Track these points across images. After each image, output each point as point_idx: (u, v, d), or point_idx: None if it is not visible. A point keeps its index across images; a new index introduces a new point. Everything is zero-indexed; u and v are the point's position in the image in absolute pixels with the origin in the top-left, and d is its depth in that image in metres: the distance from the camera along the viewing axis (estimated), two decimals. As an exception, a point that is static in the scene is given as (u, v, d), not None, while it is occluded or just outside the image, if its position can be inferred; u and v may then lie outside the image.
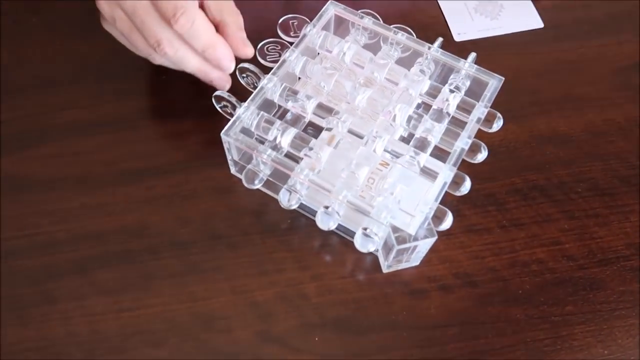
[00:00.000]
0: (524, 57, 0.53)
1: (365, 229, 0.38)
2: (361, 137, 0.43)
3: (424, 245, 0.38)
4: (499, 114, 0.43)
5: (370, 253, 0.42)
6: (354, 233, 0.40)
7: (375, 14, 0.52)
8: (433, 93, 0.45)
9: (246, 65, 0.43)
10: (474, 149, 0.41)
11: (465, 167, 0.41)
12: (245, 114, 0.41)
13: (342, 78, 0.44)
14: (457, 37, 0.54)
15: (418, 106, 0.46)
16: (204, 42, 0.40)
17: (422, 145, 0.41)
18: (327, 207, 0.39)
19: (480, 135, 0.42)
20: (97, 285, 0.41)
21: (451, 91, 0.44)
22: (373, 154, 0.41)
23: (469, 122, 0.42)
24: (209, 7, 0.42)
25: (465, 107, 0.44)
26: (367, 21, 0.46)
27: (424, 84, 0.45)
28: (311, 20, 0.46)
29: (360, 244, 0.38)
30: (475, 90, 0.45)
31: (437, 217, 0.38)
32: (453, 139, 0.41)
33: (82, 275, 0.41)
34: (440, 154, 0.42)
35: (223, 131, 0.40)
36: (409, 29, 0.52)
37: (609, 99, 0.51)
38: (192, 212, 0.44)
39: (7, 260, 0.41)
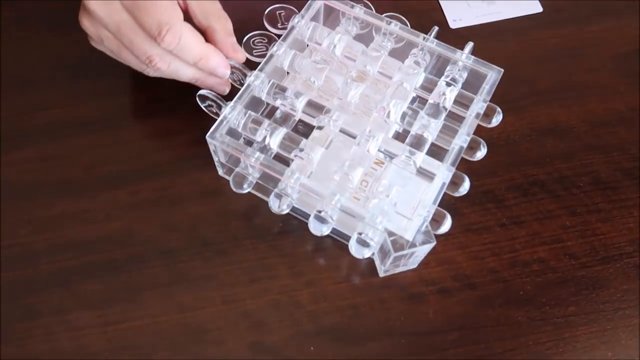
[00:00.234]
0: (523, 43, 0.51)
1: (360, 233, 0.36)
2: (354, 135, 0.41)
3: (422, 251, 0.37)
4: (498, 109, 0.41)
5: (366, 256, 0.40)
6: (349, 236, 0.39)
7: (367, 2, 0.49)
8: (429, 86, 0.43)
9: (231, 62, 0.41)
10: (472, 147, 0.39)
11: (462, 162, 0.39)
12: (232, 114, 0.39)
13: (333, 73, 0.42)
14: (453, 24, 0.51)
15: (413, 100, 0.44)
16: (194, 55, 0.39)
17: (418, 142, 0.39)
18: (319, 212, 0.37)
19: (477, 128, 0.40)
20: (80, 298, 0.39)
21: (448, 84, 0.41)
22: (367, 154, 0.39)
23: (467, 118, 0.40)
24: (195, 13, 0.40)
25: (462, 102, 0.42)
26: (358, 11, 0.44)
27: (419, 76, 0.42)
28: (299, 10, 0.44)
29: (356, 250, 0.36)
30: (472, 83, 0.43)
31: (436, 220, 0.36)
32: (451, 136, 0.40)
33: (64, 288, 0.39)
34: (437, 149, 0.40)
35: (208, 134, 0.38)
36: (403, 18, 0.49)
37: (610, 86, 0.49)
38: (178, 217, 0.42)
39: (-15, 274, 0.39)
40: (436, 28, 0.44)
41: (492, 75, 0.41)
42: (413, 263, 0.39)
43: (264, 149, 0.39)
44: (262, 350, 0.37)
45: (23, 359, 0.37)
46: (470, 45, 0.43)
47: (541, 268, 0.41)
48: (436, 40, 0.43)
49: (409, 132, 0.40)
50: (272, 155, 0.40)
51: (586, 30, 0.52)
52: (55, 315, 0.38)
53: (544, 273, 0.41)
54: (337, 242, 0.41)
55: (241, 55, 0.41)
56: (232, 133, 0.40)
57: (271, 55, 0.42)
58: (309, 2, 0.44)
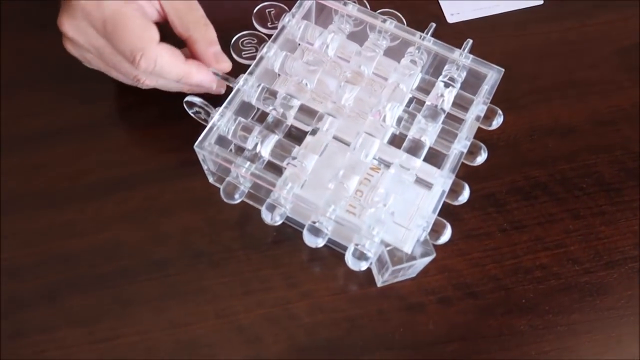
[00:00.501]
0: (523, 38, 0.49)
1: (357, 244, 0.35)
2: (349, 141, 0.39)
3: (422, 263, 0.35)
4: (499, 111, 0.39)
5: (363, 265, 0.39)
6: (345, 246, 0.37)
7: (361, -2, 0.47)
8: (426, 87, 0.41)
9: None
10: (473, 151, 0.38)
11: (461, 165, 0.37)
12: (221, 121, 0.37)
13: (326, 75, 0.40)
14: (451, 19, 0.49)
15: (410, 101, 0.42)
16: (174, 75, 0.38)
17: (415, 147, 0.38)
18: (314, 223, 0.35)
19: (476, 129, 0.39)
20: (68, 314, 0.37)
21: (446, 85, 0.40)
22: (362, 161, 0.37)
23: (467, 121, 0.39)
24: (174, 24, 0.39)
25: (461, 103, 0.40)
26: (351, 8, 0.42)
27: (416, 77, 0.41)
28: (290, 7, 0.42)
29: (352, 263, 0.35)
30: (471, 82, 0.41)
31: (435, 231, 0.35)
32: (450, 140, 0.38)
33: (51, 304, 0.38)
34: (435, 153, 0.39)
35: (196, 143, 0.37)
36: (398, 14, 0.47)
37: (613, 82, 0.47)
38: (168, 228, 0.40)
39: (-32, 291, 0.38)
40: (433, 25, 0.42)
41: (493, 75, 0.40)
42: (412, 273, 0.38)
43: (256, 156, 0.38)
44: (257, 366, 0.36)
45: (10, 380, 0.36)
46: (469, 42, 0.41)
47: (543, 274, 0.40)
48: (433, 39, 0.41)
49: (405, 134, 0.39)
50: (264, 163, 0.39)
51: (588, 23, 0.50)
52: (42, 333, 0.37)
53: (547, 280, 0.39)
54: (333, 251, 0.40)
55: (225, 65, 0.39)
56: (222, 140, 0.38)
57: (261, 58, 0.40)
58: (300, -1, 0.42)
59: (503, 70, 0.40)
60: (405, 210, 0.36)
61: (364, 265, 0.35)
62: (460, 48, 0.41)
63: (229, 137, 0.38)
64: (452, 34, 0.49)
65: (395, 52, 0.42)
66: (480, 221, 0.41)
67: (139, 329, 0.37)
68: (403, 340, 0.37)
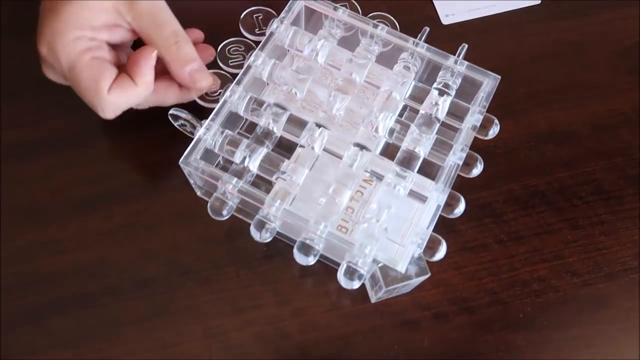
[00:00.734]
0: (520, 39, 0.48)
1: (349, 262, 0.34)
2: (340, 153, 0.38)
3: (416, 282, 0.34)
4: (495, 120, 0.38)
5: (357, 281, 0.38)
6: (338, 261, 0.36)
7: (352, 0, 0.45)
8: (419, 95, 0.40)
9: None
10: (469, 163, 0.36)
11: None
12: (207, 134, 0.36)
13: (316, 84, 0.38)
14: (445, 20, 0.48)
15: (403, 109, 0.41)
16: (149, 105, 0.38)
17: (409, 159, 0.37)
18: (304, 240, 0.34)
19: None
20: (53, 335, 0.36)
21: (440, 93, 0.38)
22: (354, 174, 0.36)
23: (462, 131, 0.37)
24: (146, 44, 0.37)
25: (456, 112, 0.39)
26: (342, 13, 0.40)
27: (409, 84, 0.39)
28: (278, 12, 0.40)
29: (345, 282, 0.34)
30: (467, 89, 0.40)
31: (430, 247, 0.34)
32: (444, 152, 0.37)
33: (35, 325, 0.37)
34: (429, 162, 0.37)
35: (182, 159, 0.35)
36: (391, 17, 0.46)
37: (613, 85, 0.46)
38: (155, 244, 0.39)
39: (-51, 313, 0.37)
40: (427, 30, 0.40)
41: (489, 82, 0.38)
42: (407, 289, 0.37)
43: (244, 169, 0.37)
44: (248, 388, 0.35)
45: (-7, 406, 0.35)
46: (464, 47, 0.40)
47: (542, 287, 0.39)
48: (426, 45, 0.39)
49: (399, 145, 0.37)
50: (253, 177, 0.37)
51: (586, 22, 0.48)
52: (26, 355, 0.36)
53: (545, 293, 0.38)
54: (325, 266, 0.39)
55: (204, 83, 0.37)
56: (210, 152, 0.37)
57: (249, 67, 0.38)
58: (289, 3, 0.40)
59: (499, 77, 0.39)
60: (399, 226, 0.35)
61: (356, 284, 0.34)
62: (455, 51, 0.40)
63: (216, 150, 0.36)
64: (446, 36, 0.47)
65: (388, 58, 0.41)
66: (476, 232, 0.40)
67: (125, 349, 0.36)
68: (398, 358, 0.36)
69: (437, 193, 0.35)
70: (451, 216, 0.35)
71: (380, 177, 0.36)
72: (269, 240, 0.36)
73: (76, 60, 0.35)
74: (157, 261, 0.39)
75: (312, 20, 0.42)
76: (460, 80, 0.39)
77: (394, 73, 0.39)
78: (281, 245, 0.39)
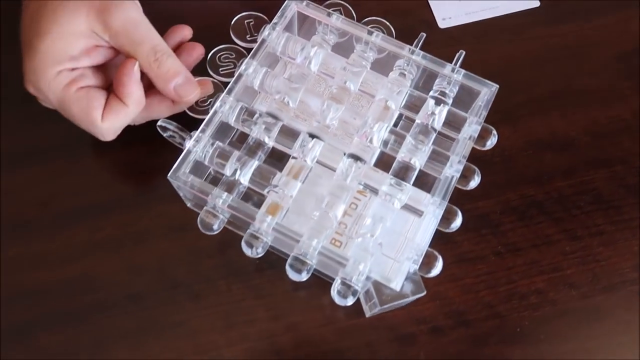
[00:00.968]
0: (519, 43, 0.46)
1: (343, 278, 0.33)
2: (334, 164, 0.37)
3: (411, 299, 0.33)
4: (494, 131, 0.37)
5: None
6: (332, 276, 0.35)
7: (345, 4, 0.44)
8: (415, 103, 0.38)
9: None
10: (466, 175, 0.35)
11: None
12: (197, 147, 0.35)
13: (309, 93, 0.37)
14: (442, 23, 0.47)
15: (399, 117, 0.40)
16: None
17: (405, 171, 0.36)
18: (297, 257, 0.33)
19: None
20: (40, 352, 0.35)
21: (437, 102, 0.37)
22: (348, 187, 0.35)
23: (460, 142, 0.36)
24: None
25: (453, 121, 0.38)
26: (335, 20, 0.39)
27: (405, 93, 0.38)
28: (270, 17, 0.39)
29: (338, 299, 0.33)
30: (464, 97, 0.39)
31: (426, 263, 0.33)
32: (441, 163, 0.36)
33: (21, 342, 0.36)
34: (425, 175, 0.37)
35: (170, 173, 0.34)
36: (386, 22, 0.44)
37: (613, 90, 0.45)
38: (145, 257, 0.38)
39: None
40: (424, 36, 0.39)
41: (486, 92, 0.37)
42: (401, 304, 0.36)
43: (235, 182, 0.36)
44: (240, 406, 0.35)
45: None
46: (461, 55, 0.39)
47: (539, 300, 0.38)
48: (422, 52, 0.38)
49: (394, 155, 0.36)
50: (244, 190, 0.36)
51: (586, 26, 0.47)
52: (12, 374, 0.35)
53: (542, 306, 0.38)
54: (319, 279, 0.38)
55: (191, 97, 0.36)
56: (200, 164, 0.36)
57: (240, 75, 0.37)
58: (282, 9, 0.39)
59: (497, 86, 0.37)
60: (394, 240, 0.34)
61: (350, 301, 0.33)
62: (452, 56, 0.38)
63: (206, 163, 0.35)
64: (443, 40, 0.46)
65: (383, 64, 0.40)
66: (473, 244, 0.39)
67: (114, 367, 0.35)
68: (393, 374, 0.36)
69: (433, 207, 0.34)
70: (448, 230, 0.35)
71: (375, 191, 0.35)
72: (261, 255, 0.35)
73: (63, 96, 0.34)
74: (146, 275, 0.38)
75: (305, 25, 0.41)
76: (457, 88, 0.38)
77: (389, 81, 0.38)
78: (274, 258, 0.38)
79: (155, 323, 0.36)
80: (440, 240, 0.34)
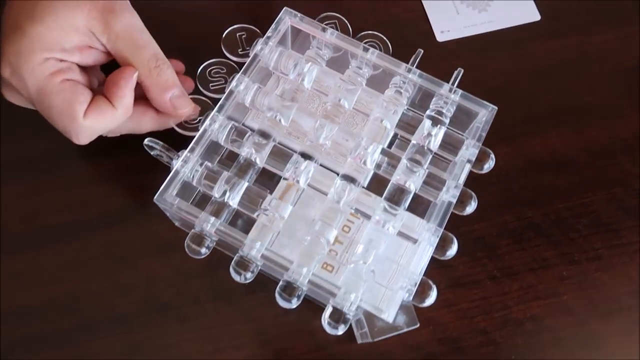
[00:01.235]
0: (518, 58, 0.45)
1: (334, 306, 0.32)
2: (326, 188, 0.36)
3: (403, 330, 0.32)
4: (492, 154, 0.36)
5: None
6: (323, 302, 0.35)
7: (341, 17, 0.43)
8: (411, 123, 0.37)
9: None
10: (462, 200, 0.35)
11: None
12: (185, 167, 0.34)
13: (301, 112, 0.36)
14: (440, 37, 0.45)
15: (394, 136, 0.39)
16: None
17: (399, 194, 0.35)
18: (286, 285, 0.32)
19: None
20: (21, 377, 0.34)
21: (434, 122, 0.36)
22: (340, 210, 0.34)
23: (457, 165, 0.35)
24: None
25: (450, 143, 0.37)
26: (330, 35, 0.38)
27: (401, 112, 0.37)
28: (262, 30, 0.37)
29: (329, 329, 0.32)
30: (461, 118, 0.38)
31: (420, 293, 0.32)
32: (437, 187, 0.35)
33: (2, 366, 0.35)
34: (421, 193, 0.36)
35: (156, 196, 0.33)
36: (383, 37, 0.43)
37: (613, 108, 0.44)
38: (131, 277, 0.37)
39: None
40: (421, 52, 0.38)
41: (485, 114, 0.36)
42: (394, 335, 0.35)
43: (224, 204, 0.34)
44: None
45: None
46: (459, 73, 0.38)
47: (535, 327, 0.37)
48: (419, 71, 0.37)
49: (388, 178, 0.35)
50: (233, 213, 0.35)
51: (587, 41, 0.46)
52: (-7, 399, 0.34)
53: (538, 333, 0.37)
54: (310, 303, 0.37)
55: (186, 110, 0.35)
56: (188, 184, 0.35)
57: (231, 92, 0.36)
58: (275, 22, 0.38)
59: (496, 108, 0.36)
60: (387, 267, 0.33)
61: (341, 330, 0.32)
62: (449, 70, 0.38)
63: (194, 184, 0.34)
64: (441, 54, 0.45)
65: (379, 80, 0.39)
66: (468, 267, 0.38)
67: (98, 393, 0.34)
68: (384, 402, 0.35)
69: (428, 234, 0.33)
70: (443, 258, 0.34)
71: (367, 217, 0.34)
72: (250, 280, 0.34)
73: (45, 84, 0.32)
74: (132, 296, 0.37)
75: (299, 39, 0.40)
76: (454, 108, 0.37)
77: (384, 99, 0.37)
78: (265, 279, 0.37)
79: (141, 347, 0.35)
80: (434, 264, 0.33)
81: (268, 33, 0.38)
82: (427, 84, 0.37)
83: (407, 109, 0.38)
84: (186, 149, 0.34)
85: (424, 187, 0.35)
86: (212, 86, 0.40)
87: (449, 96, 0.36)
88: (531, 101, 0.44)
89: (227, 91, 0.36)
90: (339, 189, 0.34)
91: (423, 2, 0.47)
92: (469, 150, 0.35)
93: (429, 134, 0.36)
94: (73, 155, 0.40)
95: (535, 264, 0.39)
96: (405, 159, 0.35)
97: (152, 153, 0.36)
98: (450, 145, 0.36)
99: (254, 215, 0.34)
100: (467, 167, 0.35)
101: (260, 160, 0.35)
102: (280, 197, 0.35)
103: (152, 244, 0.38)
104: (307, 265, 0.32)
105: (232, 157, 0.38)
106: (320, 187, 0.36)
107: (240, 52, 0.41)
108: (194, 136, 0.35)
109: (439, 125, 0.36)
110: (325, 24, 0.41)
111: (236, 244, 0.32)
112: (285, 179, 0.35)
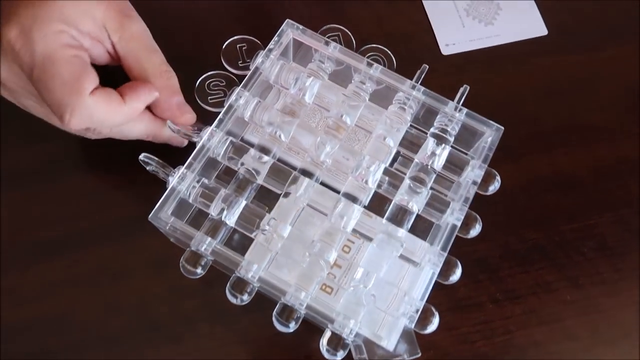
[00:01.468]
0: (524, 74, 0.44)
1: (332, 331, 0.31)
2: (326, 207, 0.35)
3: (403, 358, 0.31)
4: (497, 176, 0.35)
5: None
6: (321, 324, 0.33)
7: (344, 29, 0.42)
8: (414, 141, 0.36)
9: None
10: (467, 222, 0.34)
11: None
12: (182, 184, 0.33)
13: (302, 129, 0.35)
14: (445, 50, 0.44)
15: (396, 155, 0.38)
16: (117, 123, 0.33)
17: (401, 215, 0.34)
18: (286, 303, 0.31)
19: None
20: (7, 398, 0.33)
21: (438, 140, 0.35)
22: (340, 231, 0.33)
23: (461, 186, 0.34)
24: (131, 68, 0.34)
25: (454, 162, 0.35)
26: (333, 49, 0.36)
27: (404, 129, 0.36)
28: (264, 39, 0.36)
29: (328, 356, 0.31)
30: (466, 137, 0.37)
31: (422, 319, 0.31)
32: (441, 209, 0.34)
33: (-12, 386, 0.34)
34: (424, 214, 0.34)
35: (151, 214, 0.32)
36: (387, 50, 0.42)
37: (622, 128, 0.43)
38: (124, 295, 0.36)
39: None
40: (426, 68, 0.37)
41: (490, 133, 0.35)
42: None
43: (221, 223, 0.33)
44: None
45: None
46: (465, 90, 0.37)
47: (537, 353, 0.36)
48: (423, 88, 0.36)
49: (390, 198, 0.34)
50: (230, 231, 0.34)
51: (595, 57, 0.45)
52: (-23, 420, 0.33)
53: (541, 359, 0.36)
54: (307, 323, 0.36)
55: (189, 117, 0.34)
56: (182, 204, 0.34)
57: (230, 106, 0.35)
58: (277, 34, 0.37)
59: (502, 128, 0.35)
60: (387, 291, 0.32)
61: (340, 356, 0.31)
62: (454, 85, 0.37)
63: (190, 201, 0.33)
64: (446, 68, 0.44)
65: (382, 95, 0.38)
66: (470, 290, 0.37)
67: (87, 416, 0.33)
68: None
69: (432, 257, 0.32)
70: (446, 282, 0.33)
71: (369, 239, 0.33)
72: (246, 302, 0.33)
73: (55, 51, 0.30)
74: (124, 315, 0.35)
75: (301, 51, 0.39)
76: (459, 126, 0.36)
77: (388, 116, 0.36)
78: (261, 299, 0.36)
79: (133, 368, 0.34)
80: (435, 286, 0.32)
81: (270, 45, 0.36)
82: (432, 102, 0.36)
83: (411, 125, 0.37)
84: (183, 164, 0.33)
85: (427, 208, 0.34)
86: (210, 99, 0.39)
87: (454, 114, 0.35)
88: (537, 118, 0.43)
89: (226, 105, 0.34)
90: (339, 210, 0.33)
91: (428, 14, 0.46)
92: (474, 171, 0.34)
93: (433, 153, 0.35)
94: (64, 166, 0.39)
95: (539, 287, 0.38)
96: (408, 178, 0.34)
97: (147, 168, 0.34)
98: (455, 165, 0.35)
99: (252, 235, 0.33)
100: (473, 189, 0.34)
101: (260, 178, 0.34)
102: (279, 216, 0.34)
103: (146, 260, 0.37)
104: (305, 288, 0.31)
105: (231, 172, 0.37)
106: (319, 207, 0.35)
107: (240, 65, 0.39)
108: (194, 141, 0.34)
109: (443, 145, 0.35)
110: (328, 36, 0.40)
111: (233, 265, 0.31)
112: (284, 196, 0.34)
